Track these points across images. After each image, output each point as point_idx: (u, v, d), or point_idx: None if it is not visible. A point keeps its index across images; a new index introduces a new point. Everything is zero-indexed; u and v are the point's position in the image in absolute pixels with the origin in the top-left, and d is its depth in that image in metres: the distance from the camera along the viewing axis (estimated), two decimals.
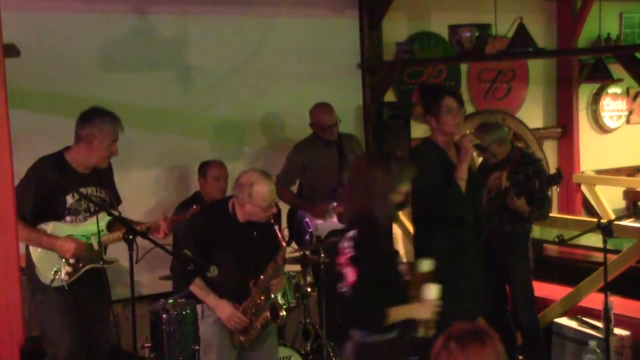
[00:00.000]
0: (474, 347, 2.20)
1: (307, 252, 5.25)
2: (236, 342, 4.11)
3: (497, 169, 5.10)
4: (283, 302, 5.14)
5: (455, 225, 4.41)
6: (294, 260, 5.30)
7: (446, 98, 4.38)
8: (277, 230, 4.02)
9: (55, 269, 4.27)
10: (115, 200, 4.63)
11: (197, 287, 4.10)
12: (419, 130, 6.83)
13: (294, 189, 5.98)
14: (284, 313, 4.15)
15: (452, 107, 4.37)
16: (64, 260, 4.29)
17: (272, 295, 4.15)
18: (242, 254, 4.05)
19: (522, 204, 4.95)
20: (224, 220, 4.07)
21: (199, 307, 4.22)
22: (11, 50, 4.16)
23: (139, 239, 3.87)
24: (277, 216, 4.11)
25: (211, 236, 4.03)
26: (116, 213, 4.34)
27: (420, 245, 4.59)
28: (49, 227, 4.29)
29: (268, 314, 4.09)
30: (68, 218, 4.34)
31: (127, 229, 3.87)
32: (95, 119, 4.35)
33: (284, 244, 4.07)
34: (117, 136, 4.40)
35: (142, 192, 5.84)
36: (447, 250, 4.40)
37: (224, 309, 4.06)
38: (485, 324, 4.82)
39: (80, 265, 4.33)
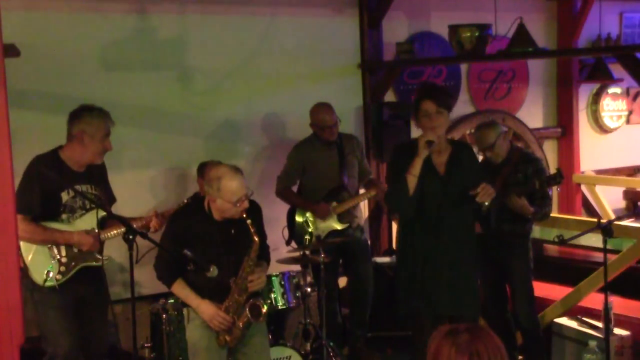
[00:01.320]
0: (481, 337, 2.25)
1: (307, 252, 5.25)
2: (222, 343, 4.07)
3: (499, 169, 5.12)
4: (282, 302, 5.14)
5: (414, 221, 4.44)
6: (294, 260, 5.29)
7: (424, 102, 4.35)
8: (250, 225, 3.95)
9: (47, 269, 4.27)
10: (110, 198, 4.64)
11: (178, 288, 4.08)
12: (419, 130, 6.83)
13: (294, 188, 5.98)
14: (265, 310, 4.09)
15: (429, 111, 4.33)
16: (55, 260, 4.29)
17: (252, 293, 4.08)
18: (221, 253, 4.02)
19: (524, 204, 4.95)
20: (201, 219, 4.04)
21: (185, 310, 4.18)
22: (11, 50, 4.16)
23: (138, 239, 3.87)
24: (252, 210, 4.04)
25: (189, 236, 3.99)
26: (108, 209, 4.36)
27: (397, 238, 4.75)
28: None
29: (248, 312, 4.04)
30: (64, 216, 4.34)
31: (128, 228, 3.87)
32: (84, 115, 4.36)
33: (256, 238, 3.98)
34: (108, 130, 4.40)
35: (141, 193, 5.84)
36: (406, 246, 4.50)
37: (206, 309, 4.03)
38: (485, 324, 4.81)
39: (73, 264, 4.33)
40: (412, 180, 4.29)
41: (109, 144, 4.43)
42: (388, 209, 4.75)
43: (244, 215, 3.95)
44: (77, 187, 4.32)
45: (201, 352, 4.09)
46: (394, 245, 6.89)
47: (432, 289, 4.40)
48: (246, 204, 3.97)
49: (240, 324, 4.06)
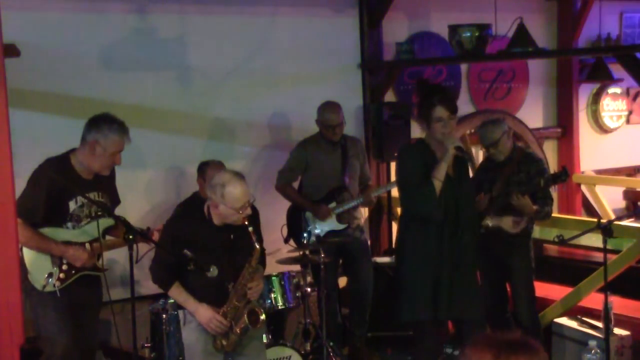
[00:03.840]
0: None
1: (307, 252, 5.25)
2: (218, 347, 4.06)
3: (501, 168, 5.13)
4: (282, 302, 5.14)
5: (423, 224, 4.42)
6: (294, 260, 5.29)
7: (437, 108, 4.35)
8: (251, 232, 3.93)
9: (47, 274, 4.25)
10: (114, 201, 4.62)
11: (175, 292, 4.05)
12: (419, 131, 6.83)
13: (294, 185, 5.97)
14: (263, 317, 4.08)
15: (442, 117, 4.35)
16: (56, 266, 4.27)
17: (251, 299, 4.07)
18: (220, 258, 3.99)
19: (527, 203, 4.96)
20: (200, 224, 4.02)
21: (180, 313, 4.16)
22: (11, 50, 4.16)
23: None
24: (253, 217, 4.04)
25: (188, 241, 3.96)
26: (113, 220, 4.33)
27: (398, 241, 4.66)
28: (46, 232, 4.26)
29: (246, 318, 4.03)
30: (69, 224, 4.30)
31: (127, 228, 3.86)
32: (103, 125, 4.28)
33: (257, 245, 3.97)
34: (122, 147, 4.33)
35: (141, 192, 5.84)
36: (420, 248, 4.43)
37: (204, 312, 4.00)
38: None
39: (73, 272, 4.31)
40: (438, 185, 4.32)
41: (119, 159, 4.35)
42: (408, 214, 4.55)
43: (246, 222, 3.95)
44: (86, 195, 4.28)
45: (198, 355, 4.08)
46: (394, 246, 6.88)
47: (459, 293, 4.43)
48: (249, 211, 3.96)
49: (238, 330, 4.05)
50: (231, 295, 4.03)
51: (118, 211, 4.58)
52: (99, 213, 4.30)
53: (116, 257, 4.97)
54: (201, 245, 3.98)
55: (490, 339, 2.13)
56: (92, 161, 4.31)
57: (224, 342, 4.05)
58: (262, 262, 4.25)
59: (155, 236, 4.38)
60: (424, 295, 4.42)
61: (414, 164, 4.43)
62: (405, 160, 4.52)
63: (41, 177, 4.25)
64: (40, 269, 4.26)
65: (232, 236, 4.03)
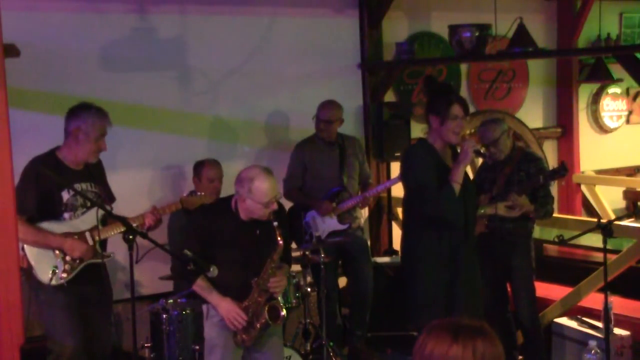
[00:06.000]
0: (445, 337, 2.10)
1: (307, 252, 5.25)
2: (239, 342, 4.07)
3: (501, 167, 5.13)
4: (283, 302, 5.14)
5: (444, 228, 4.37)
6: (294, 260, 5.28)
7: (454, 106, 4.32)
8: (276, 228, 3.97)
9: (52, 267, 4.27)
10: (109, 196, 4.64)
11: (199, 286, 4.07)
12: (419, 130, 6.83)
13: None
14: (284, 313, 4.11)
15: (458, 115, 4.32)
16: (60, 259, 4.29)
17: (273, 295, 4.10)
18: (245, 253, 4.02)
19: (525, 202, 4.95)
20: (226, 218, 4.03)
21: (204, 307, 4.18)
22: (11, 50, 4.16)
23: (138, 239, 3.86)
24: (278, 213, 4.04)
25: (214, 235, 4.00)
26: (108, 208, 4.36)
27: (408, 245, 4.57)
28: (44, 226, 4.29)
29: (266, 314, 4.05)
30: (66, 215, 4.34)
31: (127, 228, 3.87)
32: (81, 112, 4.36)
33: (280, 242, 4.00)
34: (104, 130, 4.39)
35: (140, 192, 5.84)
36: (434, 252, 4.39)
37: (225, 306, 4.02)
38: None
39: (78, 261, 4.33)
40: (458, 188, 4.27)
41: (104, 144, 4.41)
42: (431, 217, 4.41)
43: (271, 217, 3.96)
44: (77, 185, 4.33)
45: (217, 350, 4.10)
46: (394, 246, 6.89)
47: (473, 294, 4.46)
48: (275, 206, 3.97)
49: (258, 325, 4.06)
50: (253, 290, 4.05)
51: (117, 210, 4.59)
52: (95, 200, 4.32)
53: (116, 257, 4.97)
54: (227, 239, 4.00)
55: (447, 323, 2.15)
56: (78, 150, 4.36)
57: (245, 337, 4.07)
58: (288, 259, 4.27)
59: (149, 218, 4.43)
60: (439, 300, 4.40)
61: (427, 166, 4.34)
62: (417, 163, 4.40)
63: (30, 174, 4.29)
64: (44, 262, 4.28)
65: (258, 231, 4.04)
